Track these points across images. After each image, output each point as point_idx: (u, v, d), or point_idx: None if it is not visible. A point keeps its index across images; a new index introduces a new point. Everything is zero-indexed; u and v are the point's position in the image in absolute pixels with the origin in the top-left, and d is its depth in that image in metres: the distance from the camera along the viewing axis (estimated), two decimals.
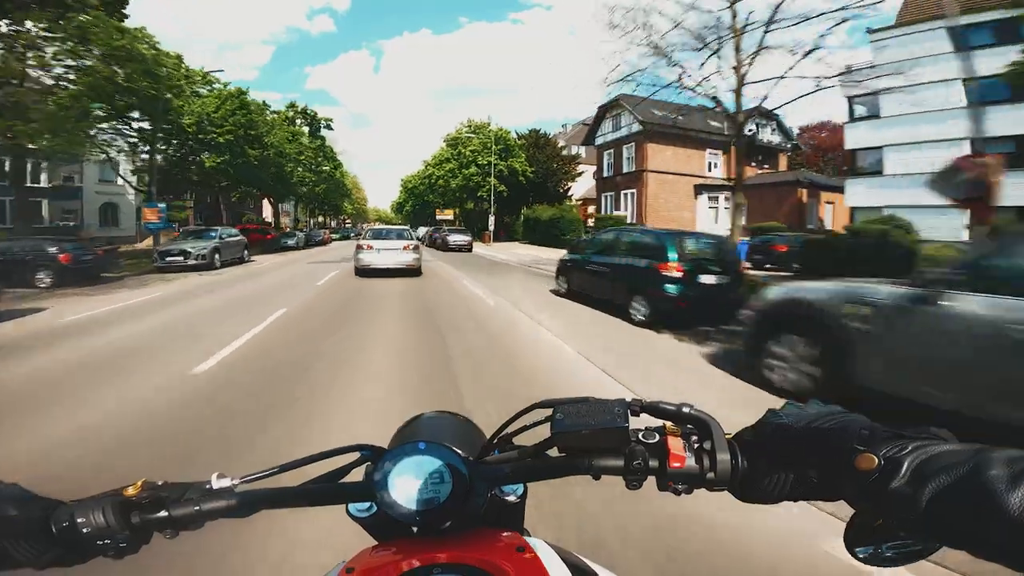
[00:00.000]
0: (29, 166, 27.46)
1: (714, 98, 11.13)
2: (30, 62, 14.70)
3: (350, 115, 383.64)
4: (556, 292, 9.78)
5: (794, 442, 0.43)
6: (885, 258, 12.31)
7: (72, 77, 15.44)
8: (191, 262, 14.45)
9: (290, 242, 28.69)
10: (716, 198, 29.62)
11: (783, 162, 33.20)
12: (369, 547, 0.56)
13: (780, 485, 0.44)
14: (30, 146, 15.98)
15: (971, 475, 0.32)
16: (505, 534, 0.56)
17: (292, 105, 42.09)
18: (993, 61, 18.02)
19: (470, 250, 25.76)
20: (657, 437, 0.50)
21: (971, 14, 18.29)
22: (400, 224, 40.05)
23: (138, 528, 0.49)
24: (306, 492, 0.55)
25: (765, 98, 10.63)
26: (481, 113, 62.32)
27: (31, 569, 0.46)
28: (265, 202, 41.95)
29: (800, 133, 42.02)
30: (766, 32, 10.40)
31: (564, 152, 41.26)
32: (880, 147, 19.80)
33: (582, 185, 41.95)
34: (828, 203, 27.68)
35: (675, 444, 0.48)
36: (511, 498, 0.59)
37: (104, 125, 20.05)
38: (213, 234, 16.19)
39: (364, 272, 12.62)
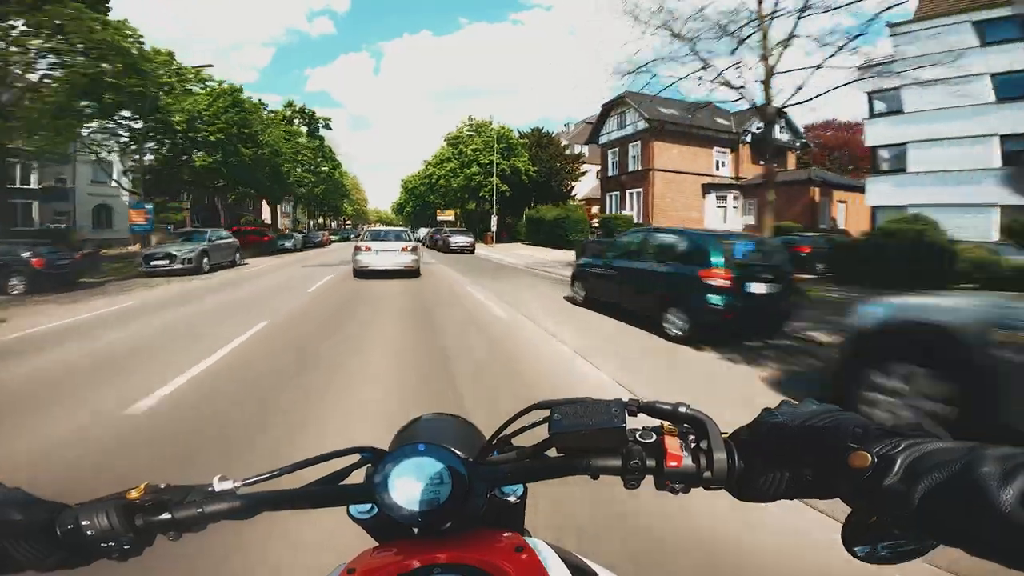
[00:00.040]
0: (19, 167, 26.88)
1: (741, 87, 10.23)
2: (10, 58, 13.88)
3: (350, 117, 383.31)
4: (572, 300, 8.86)
5: (789, 440, 0.43)
6: (921, 261, 11.41)
7: (55, 74, 14.63)
8: (177, 266, 13.61)
9: (287, 244, 27.89)
10: (724, 197, 28.81)
11: (791, 160, 32.33)
12: (370, 548, 0.56)
13: (776, 484, 0.44)
14: (9, 145, 15.19)
15: (963, 472, 0.32)
16: (505, 534, 0.56)
17: (290, 104, 41.31)
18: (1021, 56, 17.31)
19: (472, 252, 24.96)
20: (654, 437, 0.50)
21: (994, 8, 17.50)
22: (400, 225, 39.40)
23: (142, 530, 0.49)
24: (307, 494, 0.55)
25: (800, 87, 9.74)
26: (482, 114, 61.63)
27: (35, 572, 0.45)
28: (264, 203, 41.08)
29: (805, 131, 41.23)
30: (799, 19, 9.54)
31: (567, 151, 40.44)
32: (903, 144, 18.93)
33: (585, 185, 41.13)
34: (841, 202, 26.87)
35: (672, 444, 0.49)
36: (511, 499, 0.59)
37: (94, 124, 19.23)
38: (202, 236, 15.34)
39: (362, 274, 12.36)
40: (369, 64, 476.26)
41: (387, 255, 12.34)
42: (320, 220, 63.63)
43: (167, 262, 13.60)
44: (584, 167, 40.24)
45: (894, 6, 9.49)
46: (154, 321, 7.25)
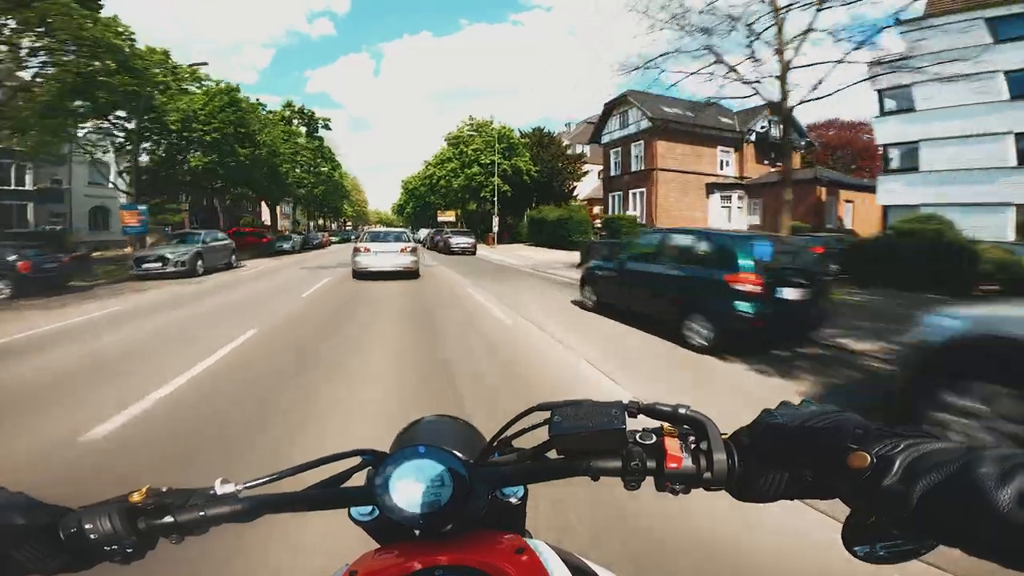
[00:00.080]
0: (13, 168, 26.47)
1: (757, 82, 9.81)
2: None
3: (351, 118, 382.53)
4: (582, 305, 8.41)
5: (789, 441, 0.43)
6: (940, 261, 10.99)
7: (46, 72, 14.22)
8: (170, 269, 13.19)
9: (285, 246, 27.47)
10: (728, 197, 28.41)
11: (795, 160, 31.94)
12: (371, 550, 0.56)
13: (776, 484, 0.44)
14: (1, 146, 14.79)
15: (961, 472, 0.32)
16: (506, 536, 0.56)
17: (289, 104, 40.88)
18: None
19: (474, 253, 24.53)
20: (654, 438, 0.50)
21: (1008, 5, 17.12)
22: (400, 226, 39.06)
23: (144, 534, 0.49)
24: (309, 497, 0.55)
25: (820, 82, 9.32)
26: (482, 114, 61.17)
27: None
28: (264, 204, 40.67)
29: (808, 131, 40.81)
30: (818, 11, 9.13)
31: (569, 151, 40.05)
32: (915, 142, 18.52)
33: (587, 185, 40.75)
34: (847, 202, 26.48)
35: (672, 445, 0.49)
36: (512, 500, 0.59)
37: (88, 125, 18.82)
38: (196, 238, 14.92)
39: (362, 275, 12.28)
40: (369, 65, 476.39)
41: (386, 256, 12.32)
42: (320, 221, 63.22)
43: (159, 265, 13.18)
44: (586, 167, 39.85)
45: None
46: (131, 331, 6.78)
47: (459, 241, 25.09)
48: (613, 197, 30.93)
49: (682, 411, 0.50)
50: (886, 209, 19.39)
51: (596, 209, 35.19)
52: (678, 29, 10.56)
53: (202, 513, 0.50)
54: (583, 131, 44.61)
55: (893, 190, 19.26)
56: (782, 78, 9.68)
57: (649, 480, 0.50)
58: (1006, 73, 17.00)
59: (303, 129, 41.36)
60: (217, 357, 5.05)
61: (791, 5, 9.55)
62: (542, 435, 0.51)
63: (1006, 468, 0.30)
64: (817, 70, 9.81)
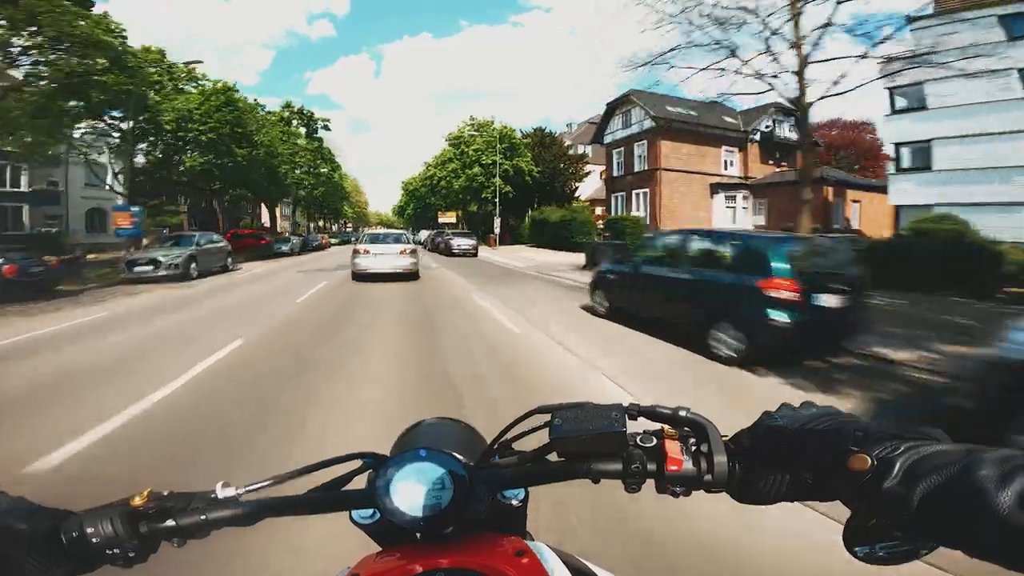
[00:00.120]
0: (8, 169, 26.07)
1: (774, 77, 9.39)
2: None
3: (351, 120, 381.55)
4: (592, 311, 7.95)
5: (789, 444, 0.43)
6: (959, 263, 10.57)
7: (36, 71, 13.83)
8: (162, 272, 12.75)
9: (284, 248, 27.01)
10: (733, 197, 28.01)
11: (800, 160, 31.57)
12: (372, 553, 0.56)
13: (776, 486, 0.44)
14: None
15: (962, 474, 0.32)
16: (507, 538, 0.56)
17: (288, 105, 40.50)
18: None
19: (475, 255, 24.12)
20: (655, 441, 0.50)
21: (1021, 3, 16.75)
22: (401, 228, 38.70)
23: (146, 537, 0.49)
24: (310, 500, 0.55)
25: (843, 76, 8.90)
26: (483, 115, 60.82)
27: None
28: (263, 206, 40.25)
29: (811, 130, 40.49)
30: (840, 2, 8.73)
31: (571, 151, 39.66)
32: (928, 140, 18.11)
33: (589, 186, 40.36)
34: (855, 202, 26.09)
35: (672, 447, 0.49)
36: (513, 503, 0.59)
37: (83, 125, 18.40)
38: (190, 241, 14.50)
39: (361, 277, 12.26)
40: (369, 67, 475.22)
41: (386, 258, 12.31)
42: (320, 223, 62.83)
43: (151, 268, 12.75)
44: (588, 167, 39.46)
45: None
46: (119, 337, 6.37)
47: (460, 243, 24.70)
48: (616, 198, 30.53)
49: (682, 413, 0.50)
50: (898, 209, 18.98)
51: (599, 210, 34.78)
52: (687, 23, 10.16)
53: (203, 516, 0.50)
54: (585, 131, 44.26)
55: (905, 190, 18.84)
56: (800, 73, 9.28)
57: (650, 482, 0.49)
58: (1020, 71, 16.65)
59: (302, 130, 41.00)
60: (191, 375, 4.52)
61: None
62: (543, 438, 0.51)
63: (1006, 470, 0.30)
64: (832, 67, 9.43)
